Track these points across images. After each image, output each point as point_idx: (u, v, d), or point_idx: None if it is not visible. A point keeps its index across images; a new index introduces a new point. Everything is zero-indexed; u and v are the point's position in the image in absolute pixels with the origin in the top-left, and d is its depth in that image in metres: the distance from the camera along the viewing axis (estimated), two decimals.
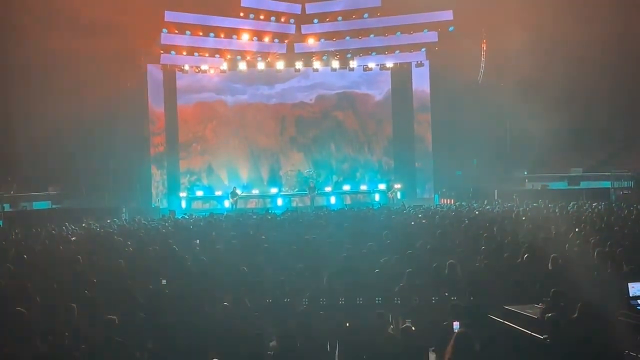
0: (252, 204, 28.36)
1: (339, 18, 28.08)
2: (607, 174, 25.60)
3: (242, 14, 27.56)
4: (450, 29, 27.58)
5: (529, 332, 7.23)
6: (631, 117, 27.85)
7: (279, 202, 28.44)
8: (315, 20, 28.34)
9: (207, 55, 28.71)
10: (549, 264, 9.94)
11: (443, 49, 28.17)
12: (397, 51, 29.41)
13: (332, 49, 29.24)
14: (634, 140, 27.94)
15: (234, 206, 27.21)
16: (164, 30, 26.98)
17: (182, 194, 29.08)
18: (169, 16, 26.63)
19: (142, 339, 7.77)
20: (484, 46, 28.18)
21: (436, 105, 29.78)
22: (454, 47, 26.98)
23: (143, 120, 28.52)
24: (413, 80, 30.45)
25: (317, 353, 7.28)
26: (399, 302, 9.17)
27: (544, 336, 6.93)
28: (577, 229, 13.68)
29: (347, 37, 28.68)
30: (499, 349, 6.87)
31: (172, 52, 28.21)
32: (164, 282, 10.14)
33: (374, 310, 8.18)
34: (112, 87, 25.31)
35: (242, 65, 28.92)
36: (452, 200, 26.37)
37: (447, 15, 27.34)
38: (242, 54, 28.78)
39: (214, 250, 13.02)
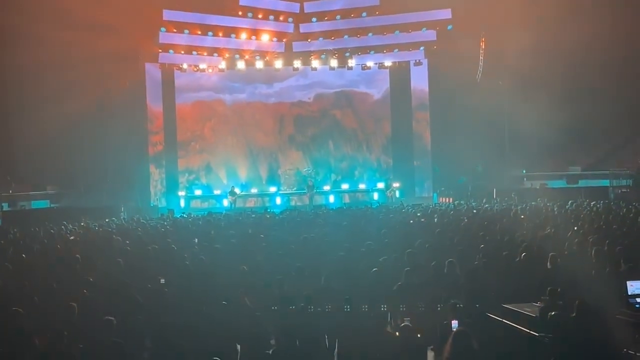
0: (250, 203, 28.36)
1: (338, 17, 28.08)
2: (605, 172, 25.62)
3: (240, 13, 27.56)
4: (449, 27, 27.58)
5: (527, 331, 7.24)
6: (630, 116, 27.86)
7: (278, 201, 28.43)
8: (314, 19, 28.33)
9: (205, 54, 28.69)
10: (548, 263, 9.95)
11: (441, 48, 28.17)
12: (396, 50, 29.40)
13: (331, 48, 29.22)
14: (633, 139, 27.96)
15: (232, 205, 27.20)
16: (162, 29, 26.97)
17: (181, 193, 29.06)
18: (167, 15, 26.62)
19: (141, 338, 7.78)
20: (483, 45, 28.17)
21: (435, 104, 29.80)
22: (452, 46, 26.98)
23: (141, 119, 28.48)
24: (411, 79, 30.43)
25: (316, 352, 7.29)
26: (398, 301, 9.18)
27: (541, 334, 6.94)
28: (575, 228, 13.69)
29: (346, 36, 28.68)
30: (498, 347, 6.88)
31: (171, 50, 28.19)
32: (162, 281, 10.13)
33: (373, 310, 8.18)
34: (110, 86, 25.33)
35: (241, 64, 28.89)
36: (451, 199, 26.37)
37: (446, 14, 27.36)
38: (240, 52, 28.76)
39: (213, 249, 13.01)
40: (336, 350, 8.15)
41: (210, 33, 27.67)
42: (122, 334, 7.30)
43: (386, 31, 28.39)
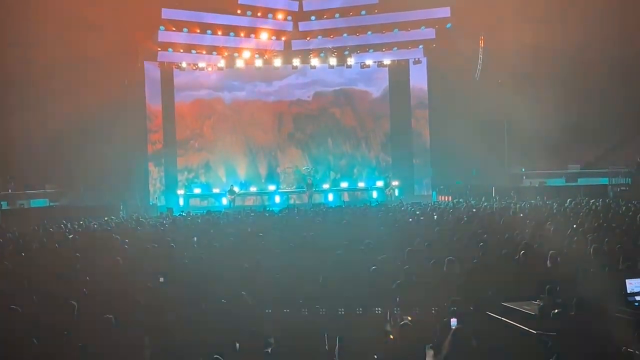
0: (250, 202, 28.35)
1: (337, 15, 28.08)
2: (604, 170, 25.62)
3: (239, 11, 27.56)
4: (448, 26, 27.58)
5: (526, 329, 7.24)
6: (629, 114, 27.85)
7: (277, 199, 28.41)
8: (313, 17, 28.34)
9: (204, 52, 28.69)
10: (548, 261, 9.95)
11: (441, 46, 28.18)
12: (395, 48, 29.40)
13: (330, 46, 29.22)
14: (632, 137, 27.95)
15: (231, 204, 27.20)
16: (161, 27, 26.96)
17: (180, 192, 29.04)
18: (166, 13, 26.60)
19: (140, 336, 7.77)
20: (482, 43, 28.17)
21: (434, 102, 29.79)
22: (451, 44, 26.99)
23: (140, 117, 28.45)
24: (410, 77, 30.39)
25: (315, 350, 7.29)
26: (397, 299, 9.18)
27: (540, 332, 6.94)
28: (574, 226, 13.70)
29: (345, 34, 28.67)
30: (496, 345, 6.88)
31: (170, 49, 28.18)
32: (161, 279, 10.13)
33: (372, 309, 8.18)
34: (109, 84, 25.25)
35: (240, 63, 28.89)
36: (450, 198, 26.38)
37: (445, 12, 27.36)
38: (239, 51, 28.75)
39: (212, 247, 13.01)
40: (337, 348, 8.14)
41: (209, 31, 27.66)
42: (122, 332, 7.30)
43: (385, 29, 28.41)
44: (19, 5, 23.07)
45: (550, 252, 10.09)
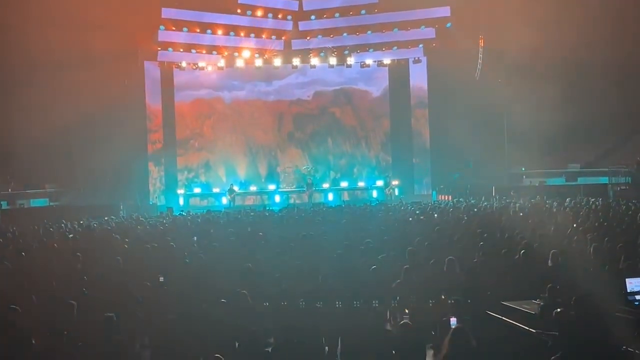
0: (249, 201, 28.36)
1: (337, 14, 28.11)
2: (604, 170, 25.61)
3: (239, 11, 27.58)
4: (448, 25, 27.60)
5: (527, 328, 7.24)
6: (629, 114, 27.85)
7: (277, 199, 28.41)
8: (313, 17, 28.36)
9: (204, 52, 28.69)
10: (549, 260, 9.95)
11: (440, 46, 28.19)
12: (395, 47, 29.41)
13: (330, 46, 29.23)
14: (632, 136, 27.95)
15: (231, 203, 27.21)
16: (161, 27, 26.97)
17: (180, 191, 29.04)
18: (166, 13, 26.63)
19: (141, 336, 7.77)
20: (482, 43, 28.16)
21: (434, 101, 29.81)
22: (451, 44, 27.02)
23: (140, 117, 28.47)
24: (410, 77, 30.42)
25: (314, 349, 7.29)
26: (397, 299, 9.18)
27: (539, 331, 6.94)
28: (574, 225, 13.70)
29: (345, 34, 28.70)
30: (496, 345, 6.88)
31: (170, 49, 28.19)
32: (161, 279, 10.13)
33: (371, 308, 8.18)
34: (109, 84, 25.25)
35: (240, 62, 28.89)
36: (450, 197, 26.38)
37: (445, 11, 27.39)
38: (239, 50, 28.75)
39: (212, 247, 13.01)
40: (339, 348, 8.15)
41: (209, 31, 27.68)
42: (122, 331, 7.29)
43: (385, 29, 28.43)
44: (19, 6, 23.05)
45: (552, 251, 10.08)
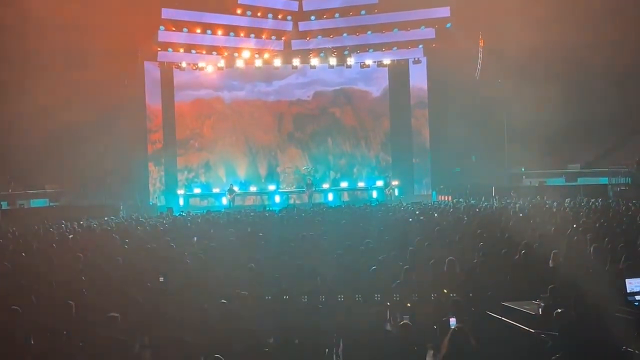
0: (249, 201, 28.37)
1: (336, 15, 28.14)
2: (604, 170, 25.61)
3: (239, 11, 27.59)
4: (448, 25, 27.61)
5: (527, 328, 7.24)
6: (629, 114, 27.86)
7: (277, 199, 28.41)
8: (313, 17, 28.37)
9: (204, 52, 28.69)
10: (550, 261, 9.94)
11: (440, 46, 28.20)
12: (395, 48, 29.43)
13: (330, 46, 29.24)
14: (632, 137, 27.95)
15: (231, 203, 27.20)
16: (161, 27, 26.97)
17: (180, 192, 29.04)
18: (166, 13, 26.64)
19: (141, 336, 7.77)
20: (481, 43, 28.16)
21: (433, 101, 29.83)
22: (451, 44, 27.02)
23: (140, 117, 28.49)
24: (410, 77, 30.44)
25: (314, 350, 7.29)
26: (397, 298, 9.17)
27: (539, 332, 6.93)
28: (574, 225, 13.69)
29: (345, 34, 28.72)
30: (496, 345, 6.88)
31: (170, 49, 28.20)
32: (161, 279, 10.13)
33: (371, 308, 8.18)
34: (109, 84, 25.27)
35: (240, 62, 28.90)
36: (450, 197, 26.39)
37: (444, 12, 27.41)
38: (239, 51, 28.76)
39: (212, 247, 13.01)
40: (335, 348, 8.15)
41: (209, 31, 27.69)
42: (122, 331, 7.29)
43: (385, 29, 28.44)
44: (19, 6, 23.04)
45: (553, 251, 10.08)
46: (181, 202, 28.42)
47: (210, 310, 8.25)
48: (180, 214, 22.99)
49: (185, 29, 27.32)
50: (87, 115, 24.28)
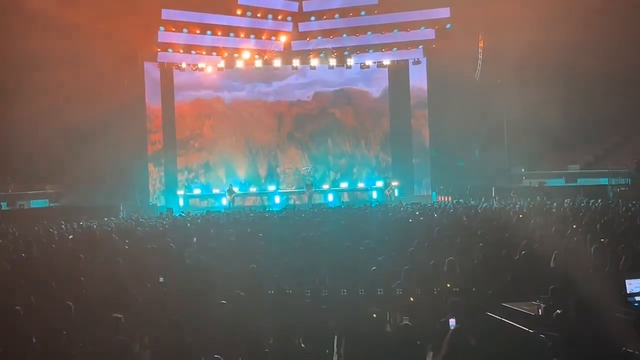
0: (249, 202, 28.38)
1: (336, 16, 28.16)
2: (604, 170, 25.61)
3: (239, 12, 27.61)
4: (448, 26, 27.62)
5: (526, 329, 7.25)
6: (629, 114, 27.89)
7: (277, 199, 28.42)
8: (313, 18, 28.39)
9: (204, 53, 28.69)
10: (552, 261, 9.93)
11: (440, 47, 28.19)
12: (395, 48, 29.43)
13: (330, 47, 29.24)
14: (632, 137, 27.97)
15: (231, 204, 27.21)
16: (161, 28, 26.97)
17: (180, 192, 29.04)
18: (166, 14, 26.64)
19: (141, 336, 7.78)
20: (481, 44, 28.19)
21: (433, 102, 29.83)
22: (451, 45, 27.00)
23: (140, 118, 28.50)
24: (410, 78, 30.44)
25: (314, 350, 7.29)
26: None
27: (537, 332, 6.94)
28: (574, 226, 13.69)
29: (345, 35, 28.72)
30: (496, 346, 6.88)
31: (170, 50, 28.19)
32: (161, 279, 10.13)
33: (372, 308, 8.17)
34: (109, 85, 25.30)
35: (240, 63, 28.91)
36: (450, 198, 26.39)
37: (444, 12, 27.42)
38: (239, 51, 28.77)
39: (212, 248, 13.01)
40: (335, 349, 8.15)
41: (209, 32, 27.69)
42: (122, 331, 7.29)
43: (385, 30, 28.45)
44: (19, 6, 23.06)
45: (555, 252, 10.07)
46: (181, 202, 28.43)
47: (210, 310, 8.25)
48: (180, 215, 22.99)
49: (185, 30, 27.32)
50: (87, 116, 24.29)
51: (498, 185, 26.70)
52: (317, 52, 29.35)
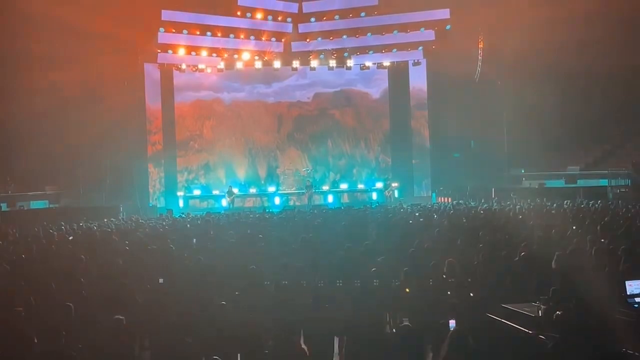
0: (249, 203, 28.38)
1: (336, 17, 28.12)
2: (604, 172, 25.63)
3: (239, 13, 27.58)
4: (447, 27, 27.61)
5: (526, 330, 7.25)
6: (629, 115, 27.91)
7: (277, 200, 28.42)
8: (313, 19, 28.37)
9: (204, 54, 28.68)
10: (553, 262, 9.94)
11: (440, 48, 28.19)
12: (394, 49, 29.42)
13: (330, 48, 29.24)
14: (632, 138, 27.99)
15: (230, 205, 27.20)
16: (161, 29, 26.95)
17: (180, 193, 29.03)
18: (166, 15, 26.62)
19: (140, 338, 7.77)
20: (481, 45, 28.21)
21: (433, 103, 29.84)
22: (451, 46, 27.02)
23: (140, 119, 28.50)
24: (410, 79, 30.44)
25: (314, 350, 7.30)
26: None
27: (536, 333, 6.94)
28: (574, 227, 13.69)
29: (344, 36, 28.71)
30: (496, 347, 6.88)
31: (170, 51, 28.18)
32: (161, 280, 10.13)
33: (372, 309, 8.18)
34: (109, 86, 25.32)
35: (239, 64, 28.92)
36: (450, 199, 26.40)
37: (444, 13, 27.40)
38: (239, 52, 28.77)
39: (212, 249, 13.01)
40: (335, 350, 8.16)
41: (209, 33, 27.67)
42: (121, 333, 7.29)
43: (385, 31, 28.43)
44: (20, 8, 23.08)
45: (557, 253, 10.07)
46: (181, 203, 28.42)
47: (210, 311, 8.25)
48: (180, 216, 22.98)
49: (185, 31, 27.29)
50: (87, 117, 24.33)
51: (498, 186, 26.71)
52: (317, 53, 29.34)
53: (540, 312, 7.47)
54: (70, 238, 16.05)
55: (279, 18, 28.35)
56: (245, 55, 28.81)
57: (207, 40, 27.96)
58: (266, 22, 28.24)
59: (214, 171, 30.10)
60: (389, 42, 28.96)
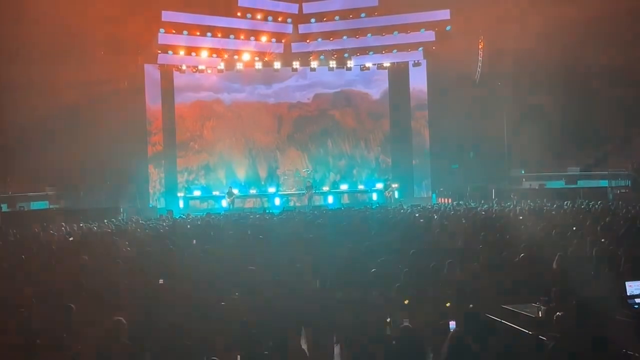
0: (249, 204, 28.38)
1: (336, 17, 28.11)
2: (604, 173, 25.62)
3: (239, 14, 27.57)
4: (448, 28, 27.61)
5: (527, 331, 7.25)
6: (629, 116, 27.86)
7: (277, 201, 28.42)
8: (313, 20, 28.37)
9: (204, 54, 28.68)
10: (554, 263, 9.94)
11: (440, 49, 28.19)
12: (395, 50, 29.43)
13: (330, 49, 29.25)
14: (632, 139, 27.95)
15: (230, 206, 27.19)
16: (161, 30, 26.95)
17: (180, 194, 29.02)
18: (166, 16, 26.61)
19: (140, 339, 7.76)
20: (481, 45, 28.21)
21: (433, 104, 29.84)
22: (451, 47, 27.02)
23: (140, 119, 28.49)
24: (410, 80, 30.46)
25: (315, 351, 7.30)
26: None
27: (537, 334, 6.94)
28: (574, 228, 13.69)
29: (345, 37, 28.72)
30: (496, 348, 6.88)
31: (170, 52, 28.18)
32: (161, 281, 10.13)
33: (372, 310, 8.17)
34: (109, 87, 25.32)
35: (240, 65, 28.93)
36: (450, 200, 26.40)
37: (444, 14, 27.40)
38: (239, 53, 28.77)
39: (212, 250, 13.00)
40: (344, 349, 8.15)
41: (209, 34, 27.66)
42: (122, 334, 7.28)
43: (385, 32, 28.43)
44: (20, 8, 23.07)
45: (558, 254, 10.07)
46: (181, 204, 28.41)
47: (210, 312, 8.25)
48: (180, 217, 22.99)
49: (185, 32, 27.29)
50: (87, 117, 24.33)
51: (498, 187, 26.70)
52: (317, 54, 29.34)
53: (540, 313, 7.46)
54: (71, 239, 16.05)
55: (279, 19, 28.36)
56: (246, 56, 28.82)
57: (207, 41, 27.96)
58: (266, 23, 28.24)
59: (214, 172, 30.10)
60: (389, 42, 28.97)
